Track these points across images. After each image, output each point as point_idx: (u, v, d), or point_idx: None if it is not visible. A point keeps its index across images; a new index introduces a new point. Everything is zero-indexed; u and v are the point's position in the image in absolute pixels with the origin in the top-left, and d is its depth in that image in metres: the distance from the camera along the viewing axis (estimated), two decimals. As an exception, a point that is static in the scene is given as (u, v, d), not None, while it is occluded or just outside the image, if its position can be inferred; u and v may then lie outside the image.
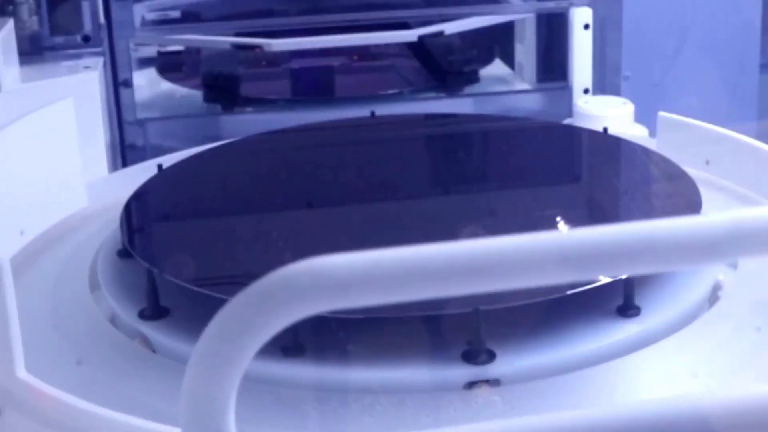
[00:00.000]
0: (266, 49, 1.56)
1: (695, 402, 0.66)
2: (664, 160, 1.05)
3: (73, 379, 0.81)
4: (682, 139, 1.11)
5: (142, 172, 1.07)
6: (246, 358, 0.52)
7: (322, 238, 0.94)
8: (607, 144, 1.13)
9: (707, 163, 1.09)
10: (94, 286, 0.93)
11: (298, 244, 0.93)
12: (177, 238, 1.00)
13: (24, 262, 0.97)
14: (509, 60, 1.80)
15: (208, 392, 0.53)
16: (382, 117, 1.23)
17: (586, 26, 1.59)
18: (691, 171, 1.06)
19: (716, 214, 0.51)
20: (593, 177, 1.14)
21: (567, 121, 1.30)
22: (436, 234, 0.94)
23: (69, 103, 1.03)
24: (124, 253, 0.96)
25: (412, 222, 0.98)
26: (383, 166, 1.14)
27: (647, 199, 1.07)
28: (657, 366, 0.82)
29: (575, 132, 1.19)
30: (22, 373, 0.76)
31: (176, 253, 0.94)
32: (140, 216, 1.00)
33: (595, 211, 1.04)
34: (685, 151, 1.10)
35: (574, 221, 0.99)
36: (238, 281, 0.85)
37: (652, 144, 1.15)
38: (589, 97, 1.47)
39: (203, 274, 0.88)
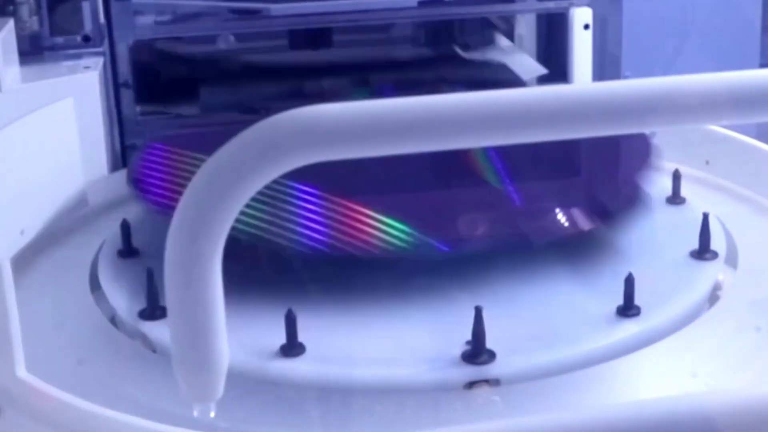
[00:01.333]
0: (266, 14, 1.56)
1: (695, 402, 0.66)
2: None
3: (74, 379, 0.81)
4: (682, 138, 1.11)
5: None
6: (238, 203, 0.51)
7: (324, 225, 0.94)
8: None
9: (707, 163, 1.09)
10: (94, 286, 0.93)
11: (296, 231, 0.93)
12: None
13: (24, 262, 0.97)
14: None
15: (194, 240, 0.51)
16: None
17: (586, 26, 1.58)
18: (690, 171, 1.06)
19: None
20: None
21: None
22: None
23: (69, 103, 1.03)
24: (124, 254, 0.95)
25: (414, 205, 0.98)
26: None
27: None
28: (657, 366, 0.82)
29: None
30: (22, 372, 0.76)
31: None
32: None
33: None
34: (685, 151, 1.10)
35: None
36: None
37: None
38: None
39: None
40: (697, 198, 1.04)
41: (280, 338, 0.81)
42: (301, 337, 0.81)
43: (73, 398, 0.74)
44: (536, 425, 0.66)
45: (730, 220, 1.01)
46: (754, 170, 1.05)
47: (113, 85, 1.61)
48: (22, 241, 0.99)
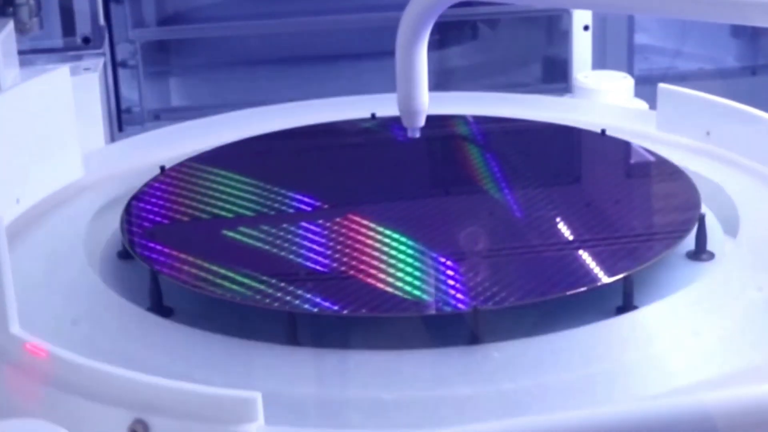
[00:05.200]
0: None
1: (695, 402, 0.65)
2: (662, 161, 1.04)
3: (69, 339, 0.80)
4: (682, 110, 1.10)
5: (140, 143, 1.07)
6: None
7: (324, 239, 0.94)
8: (605, 145, 1.12)
9: (708, 134, 1.08)
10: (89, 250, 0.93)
11: (300, 245, 0.93)
12: (179, 239, 0.98)
13: (20, 230, 0.97)
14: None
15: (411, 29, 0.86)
16: (383, 118, 1.22)
17: (586, 27, 1.59)
18: (691, 142, 1.05)
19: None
20: (591, 177, 1.12)
21: (567, 96, 1.30)
22: (437, 234, 0.94)
23: (65, 72, 1.02)
24: (124, 255, 0.94)
25: (414, 223, 0.97)
26: (384, 167, 1.13)
27: (645, 198, 1.06)
28: (659, 324, 0.81)
29: (572, 133, 1.17)
30: (15, 329, 0.75)
31: (179, 255, 0.92)
32: (141, 217, 0.99)
33: (593, 211, 1.03)
34: (686, 122, 1.09)
35: (571, 221, 0.98)
36: (239, 282, 0.84)
37: (651, 116, 1.14)
38: (589, 71, 1.47)
39: (205, 275, 0.87)
40: (701, 168, 1.04)
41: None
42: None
43: (67, 352, 0.73)
44: (536, 425, 0.65)
45: (731, 190, 1.00)
46: (755, 139, 1.05)
47: (114, 87, 1.61)
48: (18, 210, 0.98)
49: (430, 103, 0.91)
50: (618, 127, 1.14)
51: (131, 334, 0.82)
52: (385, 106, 1.12)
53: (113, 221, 0.97)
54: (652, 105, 1.22)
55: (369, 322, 0.82)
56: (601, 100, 1.24)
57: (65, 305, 0.85)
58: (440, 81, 1.72)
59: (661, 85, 1.12)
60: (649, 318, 0.82)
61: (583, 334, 0.79)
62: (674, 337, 0.80)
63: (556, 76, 1.69)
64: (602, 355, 0.78)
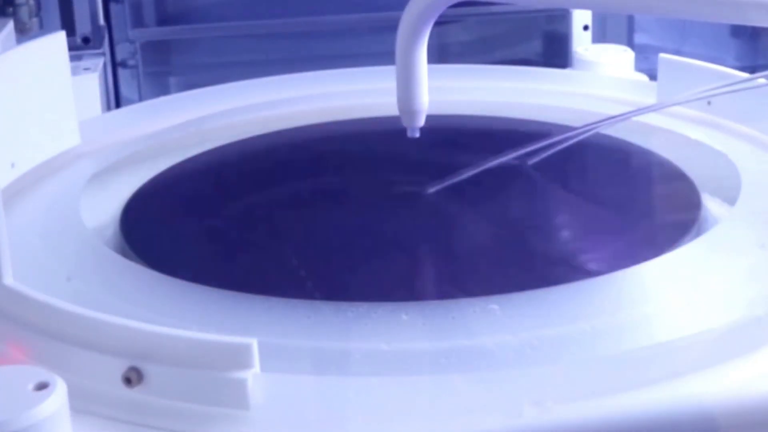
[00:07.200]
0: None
1: (695, 402, 0.65)
2: (663, 162, 1.04)
3: (62, 294, 0.79)
4: (683, 80, 1.10)
5: (137, 112, 1.06)
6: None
7: (324, 240, 0.93)
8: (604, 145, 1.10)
9: (709, 103, 1.07)
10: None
11: (299, 245, 0.92)
12: (179, 239, 0.98)
13: (16, 194, 0.96)
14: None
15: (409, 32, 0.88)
16: (379, 118, 1.22)
17: (586, 27, 1.58)
18: (692, 112, 1.05)
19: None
20: (589, 177, 1.12)
21: (567, 70, 1.29)
22: (434, 238, 0.93)
23: (61, 37, 1.02)
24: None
25: (413, 224, 0.97)
26: (383, 164, 1.13)
27: (645, 199, 1.05)
28: (659, 279, 0.81)
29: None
30: (9, 280, 0.74)
31: (178, 254, 0.92)
32: (141, 217, 0.99)
33: (592, 211, 1.02)
34: (687, 92, 1.09)
35: (570, 221, 0.98)
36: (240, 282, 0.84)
37: (652, 87, 1.14)
38: (589, 44, 1.46)
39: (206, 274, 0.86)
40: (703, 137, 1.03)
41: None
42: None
43: (60, 301, 0.72)
44: (535, 424, 0.64)
45: (734, 157, 1.00)
46: (757, 108, 1.04)
47: (113, 87, 1.61)
48: (13, 174, 0.97)
49: (430, 73, 0.91)
50: (618, 99, 1.13)
51: (126, 290, 0.81)
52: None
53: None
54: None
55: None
56: (600, 73, 1.23)
57: (59, 262, 0.85)
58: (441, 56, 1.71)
59: (662, 55, 1.12)
60: (649, 271, 0.81)
61: (583, 289, 0.79)
62: (675, 291, 0.79)
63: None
64: (600, 309, 0.77)
